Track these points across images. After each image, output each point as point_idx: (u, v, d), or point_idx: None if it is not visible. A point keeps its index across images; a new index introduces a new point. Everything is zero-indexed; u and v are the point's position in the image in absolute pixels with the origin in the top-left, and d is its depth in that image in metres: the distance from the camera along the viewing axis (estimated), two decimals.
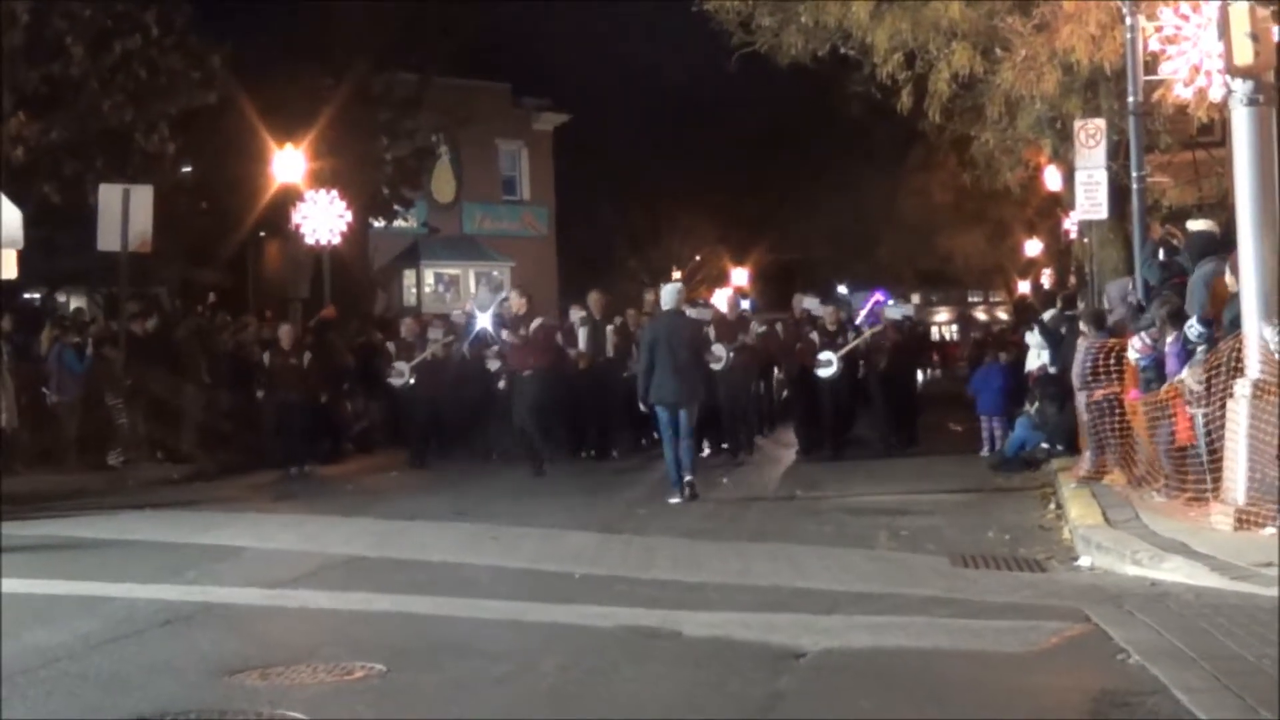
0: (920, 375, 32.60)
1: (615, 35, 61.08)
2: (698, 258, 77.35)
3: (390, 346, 29.65)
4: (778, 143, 69.50)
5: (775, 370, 31.97)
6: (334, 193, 36.71)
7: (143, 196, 27.56)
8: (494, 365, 27.53)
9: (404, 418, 29.57)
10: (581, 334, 28.73)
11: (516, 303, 26.69)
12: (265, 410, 27.82)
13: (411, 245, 57.01)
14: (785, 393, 31.63)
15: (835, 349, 27.21)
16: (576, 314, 29.72)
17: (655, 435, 23.43)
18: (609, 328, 28.92)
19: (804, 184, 70.71)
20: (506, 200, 63.18)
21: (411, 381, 28.49)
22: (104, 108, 30.49)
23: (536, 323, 26.32)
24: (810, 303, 30.31)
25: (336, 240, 36.79)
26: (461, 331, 29.44)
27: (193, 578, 15.09)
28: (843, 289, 66.15)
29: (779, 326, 31.11)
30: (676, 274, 71.29)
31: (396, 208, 46.93)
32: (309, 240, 36.59)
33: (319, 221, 36.31)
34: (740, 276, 71.93)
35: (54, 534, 18.15)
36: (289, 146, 36.84)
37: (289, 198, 37.02)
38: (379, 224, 47.39)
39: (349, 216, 37.08)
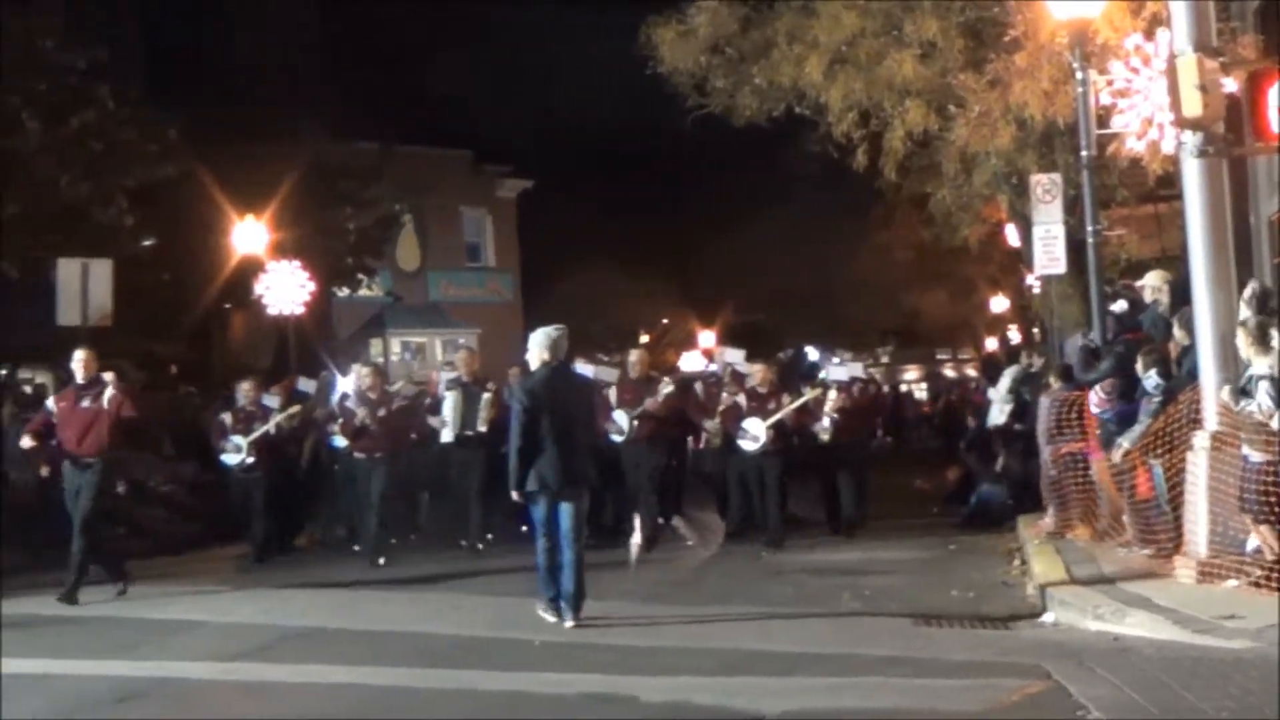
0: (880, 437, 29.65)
1: (573, 100, 61.02)
2: (665, 320, 77.33)
3: (225, 418, 24.31)
4: (740, 203, 69.57)
5: (689, 440, 25.99)
6: (296, 263, 36.63)
7: (102, 270, 27.42)
8: (341, 442, 23.58)
9: (239, 504, 24.15)
10: (448, 400, 24.13)
11: (369, 379, 23.54)
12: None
13: (377, 314, 56.96)
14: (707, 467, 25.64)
15: (766, 415, 22.71)
16: (445, 376, 25.40)
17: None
18: (486, 395, 23.81)
19: (768, 243, 70.70)
20: (471, 267, 63.16)
21: (250, 460, 23.59)
22: (61, 182, 30.41)
23: (397, 404, 23.63)
24: (733, 356, 25.19)
25: (299, 310, 36.68)
26: (321, 400, 26.09)
27: (148, 653, 14.99)
28: (811, 350, 66.09)
29: (698, 386, 25.35)
30: (644, 337, 71.27)
31: (360, 276, 46.86)
32: (271, 311, 36.49)
33: (281, 292, 36.19)
34: (708, 338, 71.89)
35: (8, 612, 17.96)
36: (250, 218, 36.77)
37: (251, 269, 36.94)
38: (343, 293, 47.32)
39: (312, 286, 37.00)
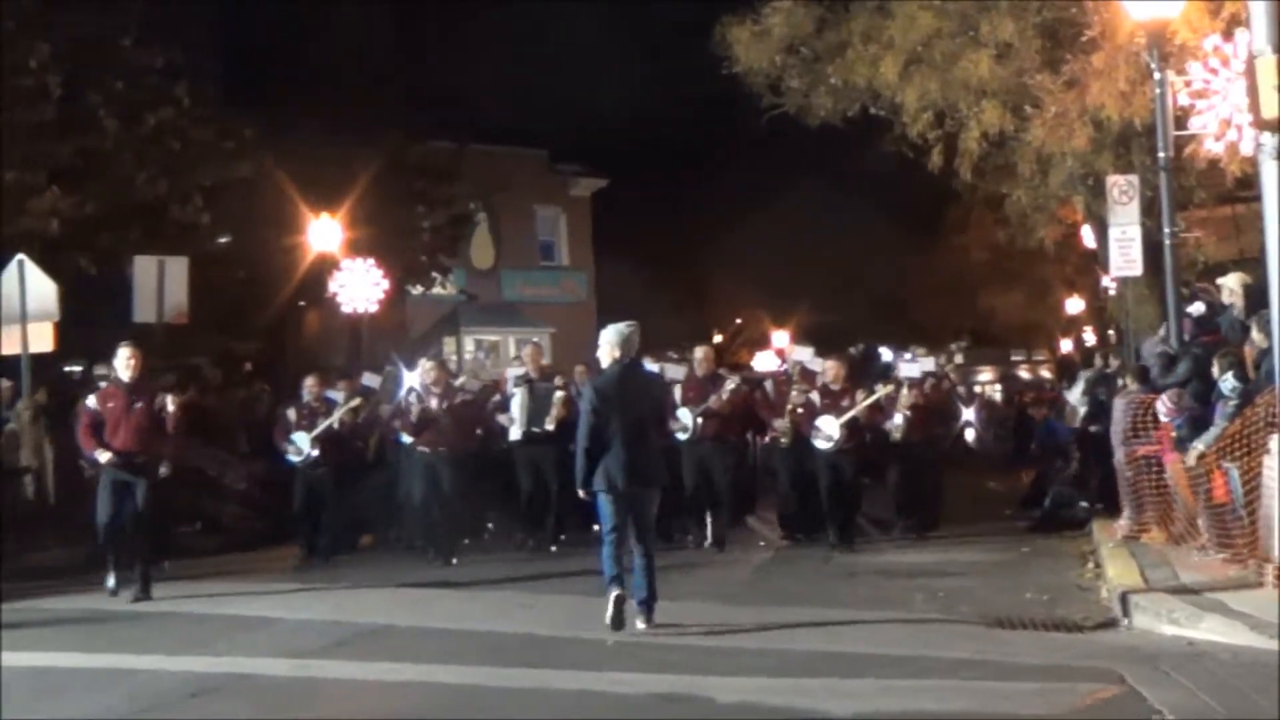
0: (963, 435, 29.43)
1: (647, 100, 60.99)
2: (738, 320, 77.31)
3: (289, 414, 24.04)
4: (815, 202, 69.50)
5: (756, 437, 26.11)
6: (371, 261, 36.77)
7: (178, 268, 27.55)
8: (407, 439, 23.01)
9: (306, 500, 23.66)
10: (515, 397, 23.61)
11: (433, 374, 23.19)
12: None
13: (451, 312, 57.09)
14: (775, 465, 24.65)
15: (839, 413, 22.31)
16: (513, 373, 24.58)
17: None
18: (558, 393, 23.38)
19: (842, 243, 70.66)
20: (545, 266, 63.28)
21: (314, 454, 23.38)
22: (137, 180, 30.64)
23: (460, 400, 23.21)
24: (803, 353, 24.95)
25: (374, 308, 36.81)
26: (386, 394, 25.63)
27: (222, 649, 15.06)
28: (884, 351, 65.88)
29: (767, 384, 24.99)
30: (717, 337, 71.21)
31: (434, 275, 46.99)
32: (345, 309, 36.63)
33: (356, 290, 36.34)
34: (781, 338, 71.85)
35: (84, 606, 18.13)
36: (325, 215, 36.92)
37: (326, 267, 37.09)
38: (417, 291, 47.43)
39: (386, 284, 37.13)
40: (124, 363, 19.48)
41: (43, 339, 24.72)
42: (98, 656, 14.67)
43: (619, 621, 14.97)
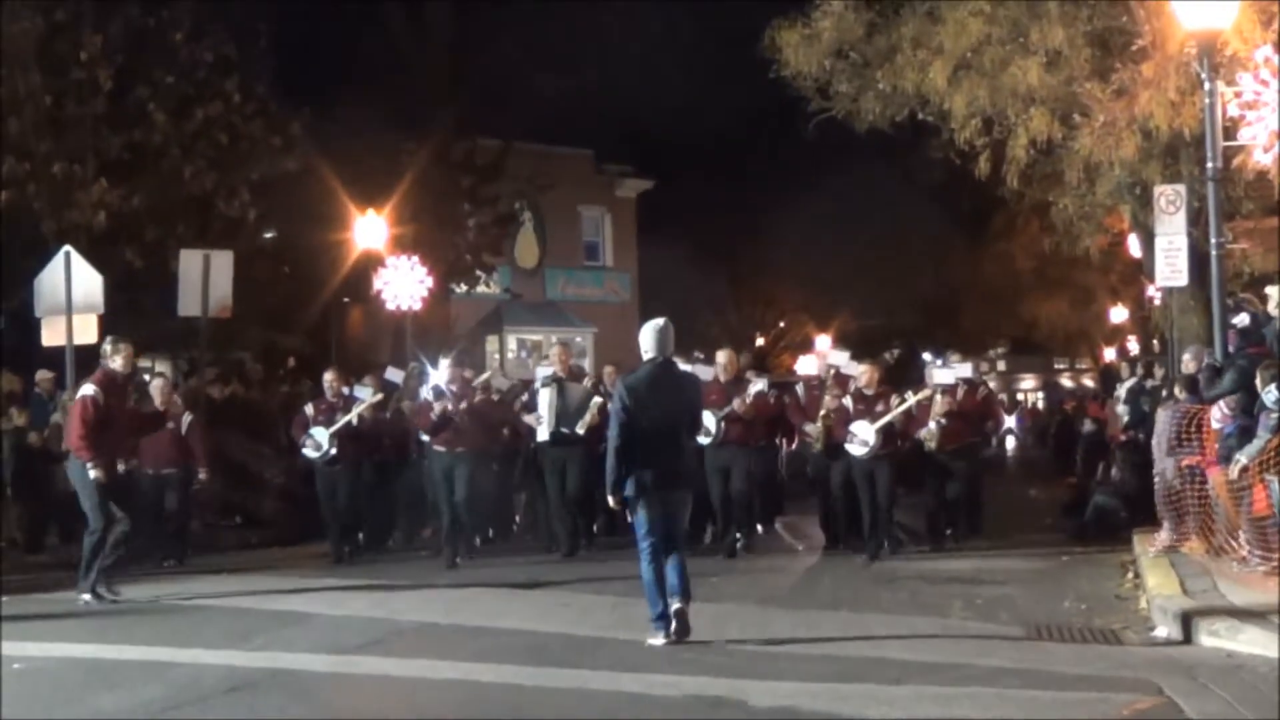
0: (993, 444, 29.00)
1: (695, 102, 60.92)
2: (782, 324, 77.18)
3: (308, 409, 23.77)
4: (861, 208, 69.40)
5: (783, 442, 25.74)
6: (415, 258, 36.77)
7: (223, 262, 27.68)
8: (426, 438, 22.83)
9: (325, 499, 23.53)
10: (544, 396, 23.03)
11: (448, 373, 23.05)
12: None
13: (495, 310, 57.10)
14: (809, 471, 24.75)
15: (874, 418, 21.92)
16: (541, 372, 24.00)
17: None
18: (596, 399, 22.85)
19: (887, 248, 70.53)
20: (589, 266, 63.30)
21: (333, 452, 23.12)
22: (185, 174, 30.79)
23: (480, 399, 23.22)
24: (838, 358, 24.78)
25: (418, 306, 36.82)
26: (409, 391, 25.01)
27: (261, 644, 15.09)
28: (927, 356, 65.70)
29: (799, 389, 25.21)
30: (760, 340, 71.11)
31: (479, 273, 46.98)
32: (390, 306, 36.66)
33: (400, 287, 36.35)
34: (824, 342, 71.72)
35: (124, 598, 18.14)
36: (370, 212, 36.92)
37: (370, 263, 37.14)
38: (461, 289, 47.42)
39: (430, 282, 37.14)
40: (125, 358, 18.65)
41: (88, 331, 24.83)
42: (136, 649, 14.71)
43: (682, 630, 14.39)
